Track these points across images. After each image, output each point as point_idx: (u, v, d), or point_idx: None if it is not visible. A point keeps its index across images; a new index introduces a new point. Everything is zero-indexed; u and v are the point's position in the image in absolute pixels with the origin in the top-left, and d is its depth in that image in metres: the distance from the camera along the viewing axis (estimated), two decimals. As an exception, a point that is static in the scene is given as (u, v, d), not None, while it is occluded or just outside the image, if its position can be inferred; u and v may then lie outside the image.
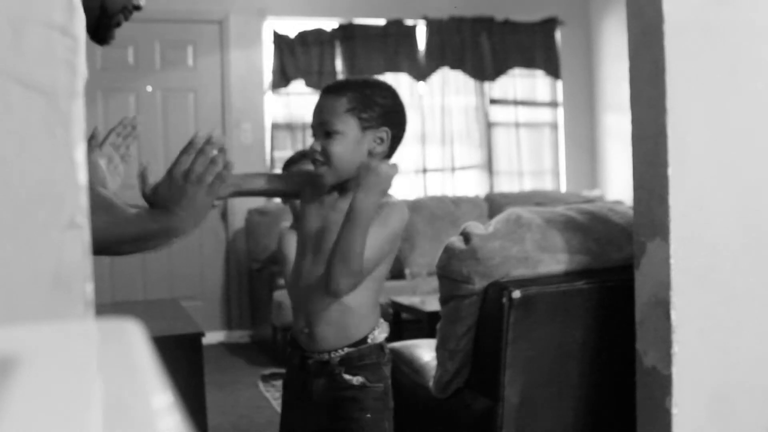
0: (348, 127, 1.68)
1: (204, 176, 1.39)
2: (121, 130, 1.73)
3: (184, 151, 1.41)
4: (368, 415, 1.71)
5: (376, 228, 1.66)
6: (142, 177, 1.46)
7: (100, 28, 1.58)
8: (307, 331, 1.74)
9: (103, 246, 1.30)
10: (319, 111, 1.71)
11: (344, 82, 1.78)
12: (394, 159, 1.79)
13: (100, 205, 1.30)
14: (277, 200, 5.56)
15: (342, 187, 1.75)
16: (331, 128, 1.67)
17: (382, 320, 1.79)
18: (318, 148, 1.68)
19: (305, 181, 1.82)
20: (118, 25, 1.60)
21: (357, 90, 1.71)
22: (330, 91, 1.73)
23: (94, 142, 1.63)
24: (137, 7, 1.63)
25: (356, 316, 1.72)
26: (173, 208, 1.40)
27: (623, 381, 1.89)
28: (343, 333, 1.72)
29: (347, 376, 1.71)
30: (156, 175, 1.48)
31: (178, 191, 1.39)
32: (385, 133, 1.70)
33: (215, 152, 1.40)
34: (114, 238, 1.36)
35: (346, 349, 1.72)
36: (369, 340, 1.73)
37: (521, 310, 1.90)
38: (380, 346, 1.75)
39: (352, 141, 1.68)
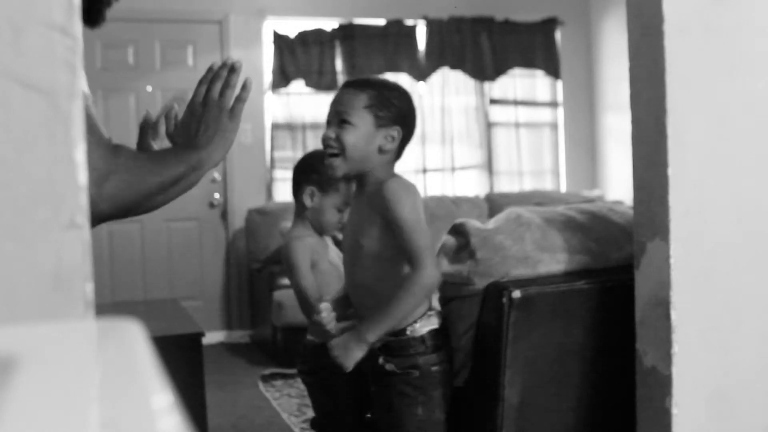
0: (363, 121, 1.77)
1: (223, 100, 1.36)
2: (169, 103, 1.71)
3: (202, 80, 1.39)
4: (394, 401, 1.80)
5: (406, 223, 1.73)
6: (167, 117, 1.44)
7: (93, 9, 1.56)
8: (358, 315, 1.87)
9: (135, 204, 1.28)
10: (338, 102, 1.80)
11: (367, 80, 1.86)
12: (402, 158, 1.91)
13: (120, 166, 1.26)
14: (279, 200, 5.56)
15: (360, 188, 1.86)
16: (347, 119, 1.76)
17: (431, 312, 1.87)
18: (332, 135, 1.77)
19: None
20: (110, 4, 1.59)
21: (377, 89, 1.80)
22: (351, 85, 1.82)
23: (146, 126, 1.57)
24: None
25: None
26: (197, 141, 1.37)
27: (623, 381, 1.89)
28: None
29: (382, 362, 1.81)
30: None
31: (199, 121, 1.37)
32: (396, 131, 1.80)
33: (230, 74, 1.37)
34: (142, 194, 1.30)
35: (387, 338, 1.79)
36: (408, 332, 1.80)
37: (521, 310, 1.90)
38: (422, 339, 1.82)
39: (364, 134, 1.77)
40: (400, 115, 1.81)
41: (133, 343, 0.52)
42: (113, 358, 0.51)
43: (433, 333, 1.84)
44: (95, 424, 0.39)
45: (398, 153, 1.86)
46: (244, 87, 1.38)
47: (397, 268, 1.81)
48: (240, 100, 1.38)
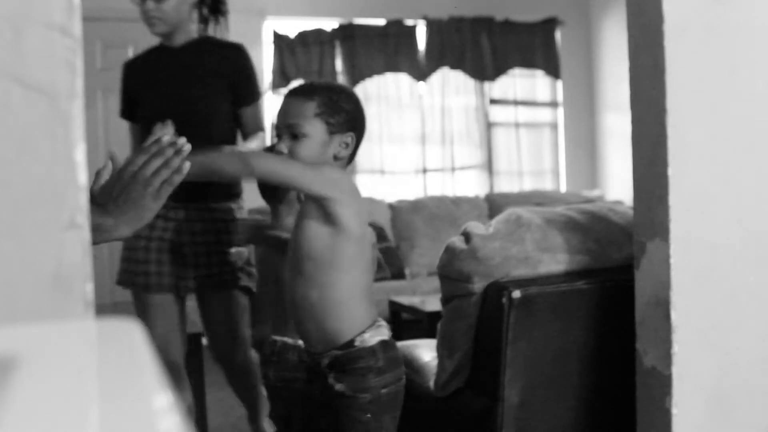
0: (315, 130, 1.68)
1: (152, 179, 1.30)
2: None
3: (140, 150, 1.33)
4: (355, 426, 1.68)
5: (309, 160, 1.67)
6: (96, 174, 1.37)
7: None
8: (303, 333, 1.77)
9: None
10: (286, 113, 1.71)
11: (312, 86, 1.77)
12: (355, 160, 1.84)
13: None
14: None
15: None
16: (299, 131, 1.68)
17: (380, 322, 1.77)
18: (285, 150, 1.68)
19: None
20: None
21: (325, 95, 1.71)
22: (298, 93, 1.73)
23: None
24: None
25: (338, 316, 1.70)
26: (111, 206, 1.31)
27: (623, 381, 1.89)
28: (327, 334, 1.71)
29: (332, 381, 1.70)
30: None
31: (122, 191, 1.31)
32: (350, 137, 1.72)
33: (174, 156, 1.31)
34: None
35: (334, 353, 1.70)
36: (357, 344, 1.70)
37: (521, 310, 1.90)
38: (372, 351, 1.71)
39: (318, 144, 1.69)
40: (351, 119, 1.73)
41: (133, 343, 0.52)
42: (113, 358, 0.51)
43: (384, 344, 1.72)
44: (95, 424, 0.39)
45: (350, 158, 1.77)
46: (179, 171, 1.31)
47: (340, 275, 1.69)
48: (169, 183, 1.31)
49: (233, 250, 2.64)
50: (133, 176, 1.31)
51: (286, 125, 1.70)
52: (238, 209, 2.73)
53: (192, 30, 2.68)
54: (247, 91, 2.69)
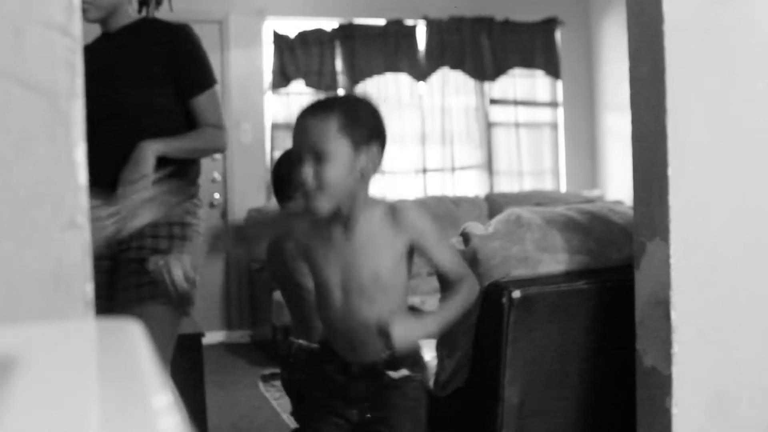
0: (341, 148, 1.57)
1: (103, 218, 1.27)
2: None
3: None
4: (408, 403, 1.72)
5: (444, 244, 1.69)
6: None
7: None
8: (351, 351, 1.72)
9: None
10: (306, 134, 1.59)
11: (328, 101, 1.67)
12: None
13: None
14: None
15: (344, 218, 1.65)
16: (324, 150, 1.56)
17: None
18: (310, 173, 1.57)
19: (292, 218, 1.76)
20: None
21: (344, 107, 1.61)
22: (315, 111, 1.61)
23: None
24: None
25: None
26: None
27: (623, 381, 1.89)
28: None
29: (391, 373, 1.71)
30: None
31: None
32: (376, 148, 1.62)
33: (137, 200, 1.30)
34: None
35: (389, 352, 1.69)
36: None
37: (521, 310, 1.90)
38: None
39: (345, 163, 1.58)
40: (373, 128, 1.63)
41: (133, 343, 0.52)
42: (113, 358, 0.51)
43: None
44: (95, 424, 0.39)
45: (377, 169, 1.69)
46: (127, 217, 1.30)
47: (404, 299, 1.72)
48: (120, 223, 1.32)
49: (153, 258, 1.99)
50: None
51: (308, 147, 1.58)
52: (194, 210, 2.23)
53: (130, 13, 2.34)
54: (193, 77, 2.31)
